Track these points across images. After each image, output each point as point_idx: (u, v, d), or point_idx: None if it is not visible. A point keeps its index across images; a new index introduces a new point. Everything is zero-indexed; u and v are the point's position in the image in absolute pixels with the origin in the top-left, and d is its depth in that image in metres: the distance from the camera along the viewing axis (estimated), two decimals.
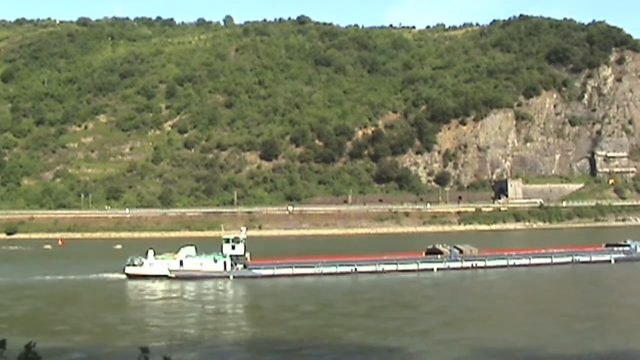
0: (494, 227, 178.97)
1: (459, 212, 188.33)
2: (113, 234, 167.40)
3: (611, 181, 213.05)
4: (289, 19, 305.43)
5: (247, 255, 66.30)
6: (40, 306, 50.01)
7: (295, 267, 65.67)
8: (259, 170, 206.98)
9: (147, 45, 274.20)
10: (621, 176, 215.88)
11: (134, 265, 64.37)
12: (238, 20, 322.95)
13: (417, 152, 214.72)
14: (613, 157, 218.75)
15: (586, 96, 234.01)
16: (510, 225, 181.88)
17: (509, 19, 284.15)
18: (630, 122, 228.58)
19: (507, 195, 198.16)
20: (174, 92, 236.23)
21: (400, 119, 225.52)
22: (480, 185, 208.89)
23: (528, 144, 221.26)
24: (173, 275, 63.20)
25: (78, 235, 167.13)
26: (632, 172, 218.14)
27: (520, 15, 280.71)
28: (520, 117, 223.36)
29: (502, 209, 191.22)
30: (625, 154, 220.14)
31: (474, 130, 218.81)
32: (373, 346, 33.77)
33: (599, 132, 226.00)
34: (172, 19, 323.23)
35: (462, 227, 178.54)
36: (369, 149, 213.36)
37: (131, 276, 63.34)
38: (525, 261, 71.06)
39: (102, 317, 44.17)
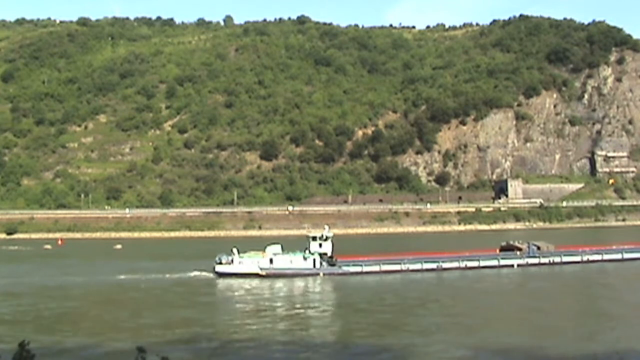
0: (494, 227, 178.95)
1: (459, 212, 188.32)
2: (113, 234, 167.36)
3: (611, 181, 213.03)
4: (289, 19, 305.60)
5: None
6: (162, 305, 50.20)
7: (383, 264, 66.54)
8: (259, 170, 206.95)
9: (147, 45, 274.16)
10: (621, 176, 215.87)
11: (223, 263, 64.41)
12: (238, 20, 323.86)
13: (417, 152, 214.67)
14: (613, 157, 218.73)
15: (586, 96, 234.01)
16: (510, 225, 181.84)
17: (509, 19, 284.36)
18: (630, 122, 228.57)
19: (507, 195, 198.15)
20: (174, 92, 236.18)
21: (400, 119, 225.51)
22: (480, 185, 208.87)
23: (528, 144, 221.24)
24: (264, 273, 63.54)
25: (78, 235, 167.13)
26: (632, 172, 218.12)
27: (520, 15, 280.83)
28: (520, 117, 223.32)
29: (502, 209, 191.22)
30: (625, 154, 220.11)
31: (474, 130, 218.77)
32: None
33: (599, 132, 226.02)
34: (172, 19, 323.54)
35: (462, 227, 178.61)
36: (369, 149, 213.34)
37: (221, 274, 63.48)
38: (597, 257, 72.78)
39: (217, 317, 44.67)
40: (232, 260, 64.46)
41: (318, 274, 64.30)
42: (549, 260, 70.70)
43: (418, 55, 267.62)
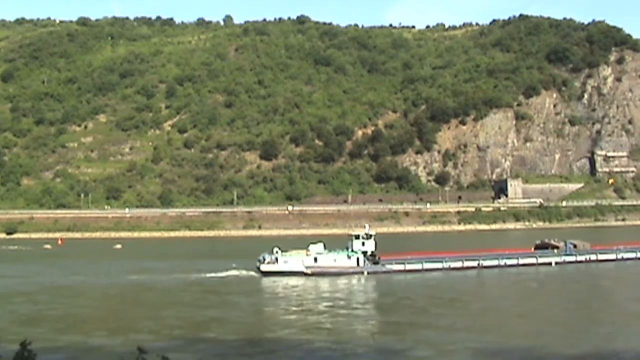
0: (494, 227, 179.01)
1: (459, 212, 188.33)
2: (113, 234, 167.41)
3: (611, 181, 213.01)
4: (289, 19, 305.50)
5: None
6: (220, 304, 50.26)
7: (425, 262, 67.22)
8: (259, 170, 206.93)
9: (147, 45, 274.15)
10: (621, 176, 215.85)
11: (266, 262, 64.50)
12: (238, 20, 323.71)
13: (417, 152, 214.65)
14: (613, 157, 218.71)
15: (586, 96, 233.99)
16: (510, 225, 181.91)
17: (509, 19, 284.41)
18: (630, 122, 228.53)
19: (507, 195, 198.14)
20: (174, 92, 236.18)
21: (400, 119, 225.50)
22: (480, 185, 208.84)
23: (528, 144, 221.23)
24: (309, 272, 63.70)
25: (78, 235, 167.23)
26: (632, 172, 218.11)
27: (520, 15, 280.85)
28: (520, 117, 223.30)
29: (502, 209, 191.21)
30: (625, 154, 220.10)
31: (474, 130, 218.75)
32: None
33: (599, 132, 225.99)
34: (172, 19, 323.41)
35: (462, 227, 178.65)
36: (369, 149, 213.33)
37: (266, 273, 63.51)
38: (632, 255, 74.07)
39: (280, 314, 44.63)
40: (276, 259, 64.59)
41: (362, 273, 64.66)
42: (586, 259, 72.23)
43: (418, 55, 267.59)
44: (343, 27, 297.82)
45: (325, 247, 66.78)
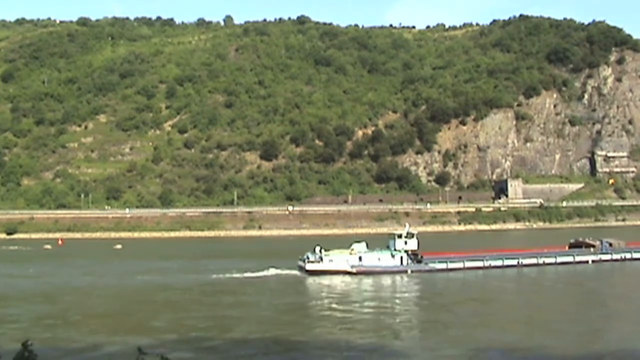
0: (494, 227, 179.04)
1: (459, 212, 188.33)
2: (113, 234, 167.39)
3: (611, 181, 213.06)
4: (289, 19, 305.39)
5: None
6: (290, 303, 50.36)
7: (466, 261, 68.17)
8: (259, 170, 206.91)
9: (147, 45, 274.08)
10: (621, 176, 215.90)
11: (309, 262, 64.71)
12: (238, 20, 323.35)
13: (417, 152, 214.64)
14: (613, 157, 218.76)
15: (586, 96, 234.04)
16: (510, 225, 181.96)
17: (509, 19, 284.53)
18: (630, 122, 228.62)
19: (507, 195, 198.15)
20: (174, 92, 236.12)
21: (400, 119, 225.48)
22: (480, 185, 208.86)
23: (528, 144, 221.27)
24: (354, 270, 63.94)
25: (78, 235, 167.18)
26: (632, 172, 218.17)
27: (520, 15, 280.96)
28: (520, 117, 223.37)
29: (502, 209, 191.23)
30: (625, 154, 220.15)
31: (474, 130, 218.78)
32: None
33: (599, 132, 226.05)
34: (172, 19, 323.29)
35: (462, 227, 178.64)
36: (369, 149, 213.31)
37: (311, 272, 63.72)
38: None
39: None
40: (320, 258, 64.81)
41: (406, 271, 65.08)
42: (621, 257, 73.71)
43: (418, 55, 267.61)
44: (343, 27, 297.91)
45: (367, 246, 67.34)
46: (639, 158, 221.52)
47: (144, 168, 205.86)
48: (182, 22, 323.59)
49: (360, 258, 65.12)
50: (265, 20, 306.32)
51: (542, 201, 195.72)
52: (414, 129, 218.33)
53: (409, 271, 65.07)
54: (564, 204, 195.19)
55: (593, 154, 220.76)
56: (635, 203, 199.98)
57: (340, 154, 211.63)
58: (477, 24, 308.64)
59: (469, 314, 43.86)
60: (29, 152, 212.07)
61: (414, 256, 66.80)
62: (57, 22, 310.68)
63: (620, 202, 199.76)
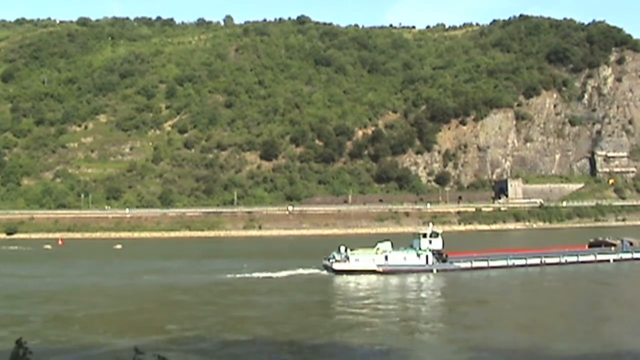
0: (494, 227, 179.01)
1: (459, 212, 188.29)
2: (113, 234, 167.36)
3: (611, 181, 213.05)
4: (289, 19, 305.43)
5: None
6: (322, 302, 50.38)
7: (490, 260, 68.60)
8: (259, 170, 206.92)
9: (147, 45, 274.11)
10: (621, 176, 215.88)
11: (336, 261, 64.98)
12: (238, 20, 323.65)
13: (417, 152, 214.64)
14: (613, 157, 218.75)
15: (586, 96, 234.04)
16: (510, 225, 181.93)
17: (509, 19, 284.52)
18: (630, 122, 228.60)
19: (507, 195, 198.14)
20: (174, 92, 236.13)
21: (400, 119, 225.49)
22: (480, 185, 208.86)
23: (528, 144, 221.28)
24: (380, 270, 64.25)
25: (78, 235, 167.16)
26: (632, 172, 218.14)
27: (520, 15, 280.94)
28: (520, 117, 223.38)
29: (502, 209, 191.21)
30: (625, 154, 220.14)
31: (474, 130, 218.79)
32: None
33: (599, 132, 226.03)
34: (172, 19, 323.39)
35: (462, 227, 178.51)
36: (369, 149, 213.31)
37: (338, 271, 63.98)
38: None
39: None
40: (347, 258, 65.08)
41: (431, 270, 65.31)
42: None
43: (418, 55, 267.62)
44: (343, 27, 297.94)
45: (392, 245, 67.64)
46: (639, 158, 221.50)
47: (144, 168, 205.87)
48: (182, 22, 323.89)
49: (386, 257, 65.47)
50: (265, 20, 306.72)
51: (542, 201, 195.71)
52: (414, 129, 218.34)
53: (435, 270, 65.38)
54: (564, 204, 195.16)
55: (593, 154, 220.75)
56: (635, 203, 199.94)
57: (340, 154, 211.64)
58: (477, 24, 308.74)
59: (501, 314, 43.58)
60: (29, 152, 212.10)
61: (439, 255, 67.18)
62: (57, 22, 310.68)
63: (620, 202, 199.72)
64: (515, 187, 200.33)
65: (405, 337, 36.19)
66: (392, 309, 46.10)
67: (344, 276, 62.76)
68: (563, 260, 70.61)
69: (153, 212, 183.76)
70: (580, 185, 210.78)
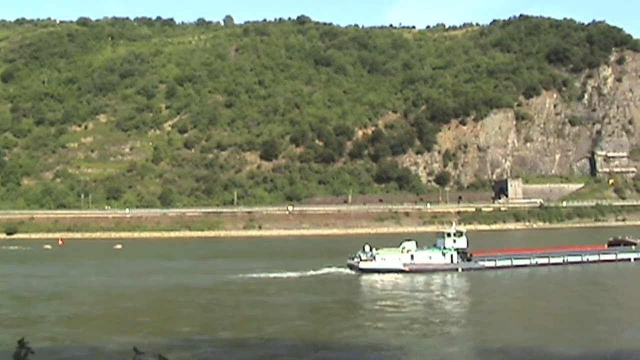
0: (494, 227, 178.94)
1: (459, 212, 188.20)
2: (113, 234, 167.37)
3: (611, 181, 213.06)
4: (289, 19, 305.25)
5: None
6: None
7: (514, 258, 69.08)
8: (259, 170, 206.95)
9: (147, 45, 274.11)
10: (621, 176, 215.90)
11: (362, 260, 65.37)
12: (238, 20, 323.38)
13: (417, 152, 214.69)
14: (613, 157, 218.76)
15: (586, 96, 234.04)
16: (510, 225, 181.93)
17: (509, 19, 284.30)
18: (630, 122, 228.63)
19: (507, 195, 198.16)
20: (174, 92, 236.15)
21: (400, 119, 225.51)
22: (480, 185, 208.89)
23: (528, 144, 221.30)
24: (407, 268, 64.65)
25: (78, 235, 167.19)
26: (632, 172, 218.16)
27: (520, 15, 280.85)
28: (520, 117, 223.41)
29: (502, 209, 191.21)
30: (625, 154, 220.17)
31: (474, 130, 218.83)
32: None
33: (599, 132, 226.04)
34: (172, 19, 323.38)
35: (462, 227, 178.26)
36: (369, 149, 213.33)
37: (365, 270, 64.35)
38: None
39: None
40: (373, 257, 65.52)
41: (456, 269, 65.73)
42: None
43: (418, 55, 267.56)
44: (343, 27, 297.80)
45: (417, 245, 68.05)
46: (639, 158, 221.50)
47: (144, 168, 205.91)
48: (182, 22, 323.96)
49: (412, 256, 65.98)
50: (265, 20, 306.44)
51: (542, 201, 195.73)
52: (414, 129, 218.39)
53: (460, 269, 65.82)
54: (564, 204, 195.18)
55: (593, 154, 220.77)
56: (635, 203, 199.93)
57: (340, 154, 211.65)
58: (477, 24, 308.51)
59: (535, 315, 43.18)
60: (29, 152, 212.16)
61: (464, 254, 67.61)
62: (57, 22, 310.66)
63: (620, 202, 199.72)
64: (515, 187, 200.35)
65: (449, 334, 36.37)
66: (427, 308, 46.03)
67: (370, 275, 63.18)
68: (585, 259, 71.23)
69: (153, 212, 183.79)
70: (580, 185, 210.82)
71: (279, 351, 32.23)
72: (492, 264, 67.41)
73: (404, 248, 66.83)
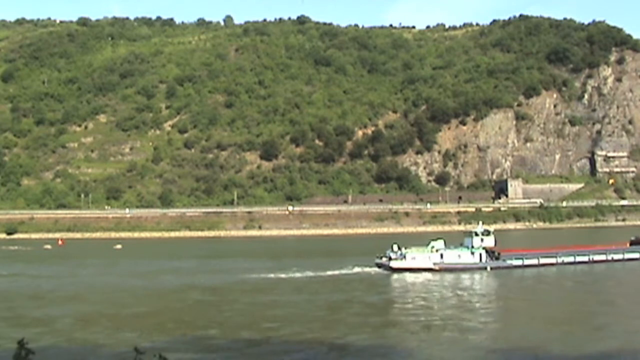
0: (494, 227, 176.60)
1: (459, 212, 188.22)
2: (113, 234, 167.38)
3: (611, 181, 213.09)
4: (289, 19, 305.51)
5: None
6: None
7: (541, 257, 70.08)
8: (259, 170, 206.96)
9: (147, 45, 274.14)
10: (621, 176, 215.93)
11: (393, 259, 66.04)
12: (238, 20, 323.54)
13: (417, 152, 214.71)
14: (613, 157, 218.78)
15: (586, 96, 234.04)
16: (510, 225, 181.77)
17: (509, 19, 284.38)
18: (630, 122, 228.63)
19: (507, 195, 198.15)
20: (174, 92, 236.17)
21: (400, 119, 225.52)
22: (480, 185, 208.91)
23: (528, 144, 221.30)
24: (436, 267, 65.35)
25: (78, 235, 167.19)
26: (632, 172, 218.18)
27: (520, 15, 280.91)
28: (520, 117, 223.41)
29: (502, 209, 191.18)
30: (625, 154, 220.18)
31: (474, 130, 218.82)
32: None
33: (599, 132, 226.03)
34: (172, 19, 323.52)
35: (462, 227, 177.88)
36: (369, 149, 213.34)
37: (395, 269, 64.96)
38: None
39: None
40: (403, 256, 66.26)
41: (485, 268, 66.23)
42: None
43: (418, 55, 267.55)
44: (343, 27, 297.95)
45: (445, 244, 68.57)
46: (639, 158, 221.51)
47: (144, 168, 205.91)
48: (182, 22, 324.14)
49: (441, 255, 66.56)
50: (265, 20, 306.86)
51: (542, 201, 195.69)
52: (414, 129, 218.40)
53: (488, 268, 66.32)
54: (564, 204, 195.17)
55: (593, 154, 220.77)
56: (635, 203, 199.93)
57: (340, 154, 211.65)
58: (477, 24, 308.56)
59: (570, 314, 43.11)
60: (29, 152, 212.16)
61: (492, 253, 68.11)
62: (57, 22, 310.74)
63: (620, 202, 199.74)
64: (515, 187, 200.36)
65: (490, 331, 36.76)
66: (459, 308, 46.15)
67: (401, 274, 63.67)
68: (610, 257, 72.15)
69: (153, 212, 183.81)
70: (580, 185, 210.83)
71: (356, 344, 33.08)
72: (519, 262, 68.21)
73: (433, 247, 67.34)
